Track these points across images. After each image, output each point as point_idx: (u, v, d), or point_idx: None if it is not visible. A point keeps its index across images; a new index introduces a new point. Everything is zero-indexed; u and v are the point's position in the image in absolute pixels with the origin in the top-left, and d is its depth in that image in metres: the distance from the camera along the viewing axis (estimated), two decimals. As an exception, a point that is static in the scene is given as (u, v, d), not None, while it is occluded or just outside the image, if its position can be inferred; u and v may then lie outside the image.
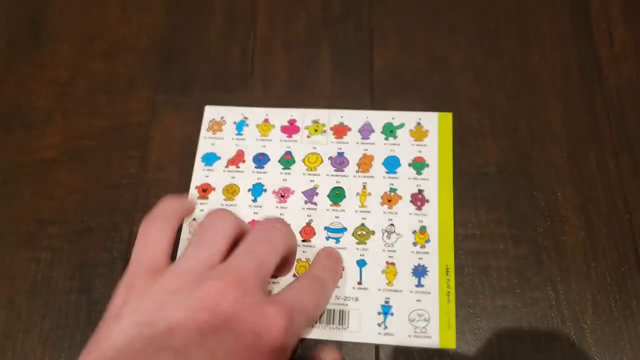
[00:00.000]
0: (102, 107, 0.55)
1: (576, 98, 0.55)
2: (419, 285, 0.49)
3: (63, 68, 0.56)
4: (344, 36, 0.59)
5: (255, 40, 0.58)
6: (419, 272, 0.49)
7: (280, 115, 0.57)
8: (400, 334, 0.47)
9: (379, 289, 0.49)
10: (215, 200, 0.54)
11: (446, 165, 0.53)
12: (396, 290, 0.49)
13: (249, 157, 0.56)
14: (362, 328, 0.48)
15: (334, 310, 0.48)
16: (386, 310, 0.48)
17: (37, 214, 0.52)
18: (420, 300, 0.48)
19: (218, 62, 0.58)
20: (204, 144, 0.56)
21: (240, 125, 0.57)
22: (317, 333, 0.48)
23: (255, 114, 0.58)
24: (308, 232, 0.52)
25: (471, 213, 0.51)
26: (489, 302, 0.48)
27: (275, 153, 0.56)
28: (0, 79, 0.55)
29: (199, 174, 0.55)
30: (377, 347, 0.47)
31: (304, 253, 0.51)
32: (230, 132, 0.57)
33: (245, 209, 0.53)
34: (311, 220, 0.52)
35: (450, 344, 0.47)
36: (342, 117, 0.57)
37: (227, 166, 0.55)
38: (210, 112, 0.58)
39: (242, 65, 0.58)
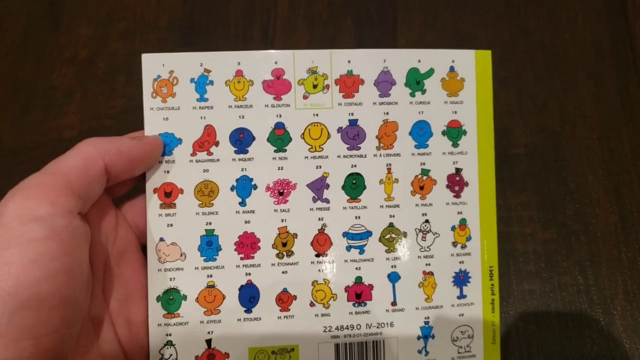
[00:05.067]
0: (122, 87, 0.52)
1: (608, 77, 0.51)
2: (461, 296, 0.41)
3: (82, 47, 0.53)
4: (367, 14, 0.54)
5: (276, 19, 0.56)
6: (461, 279, 0.41)
7: (259, 63, 0.40)
8: (443, 359, 0.41)
9: (417, 308, 0.40)
10: (186, 207, 0.38)
11: (487, 131, 0.42)
12: (437, 307, 0.40)
13: (223, 137, 0.39)
14: (401, 359, 0.40)
15: (366, 342, 0.39)
16: (426, 332, 0.40)
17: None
18: (463, 315, 0.41)
19: (238, 41, 0.52)
20: (153, 120, 0.39)
21: (201, 84, 0.39)
22: (348, 374, 0.39)
23: (223, 64, 0.39)
24: (322, 242, 0.39)
25: (498, 195, 0.46)
26: (516, 286, 0.46)
27: (260, 127, 0.39)
28: (20, 59, 0.52)
29: (156, 170, 0.39)
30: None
31: (320, 273, 0.39)
32: (188, 97, 0.39)
33: (231, 218, 0.39)
34: (324, 225, 0.40)
35: (496, 360, 0.41)
36: (349, 61, 0.40)
37: (193, 153, 0.39)
38: (152, 66, 0.39)
39: (262, 44, 0.52)
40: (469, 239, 0.41)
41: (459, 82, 0.42)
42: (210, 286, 0.39)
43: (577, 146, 0.50)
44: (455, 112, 0.42)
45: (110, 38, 0.53)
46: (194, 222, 0.39)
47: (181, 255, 0.38)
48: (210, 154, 0.39)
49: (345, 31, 0.54)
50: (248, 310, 0.39)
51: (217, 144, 0.39)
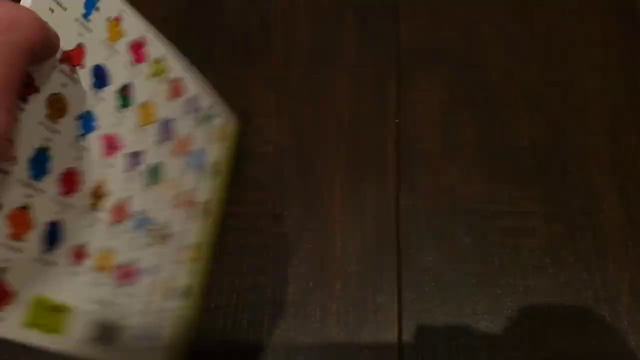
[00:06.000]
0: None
1: (615, 69, 0.52)
2: None
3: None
4: (370, 5, 0.55)
5: (276, 10, 0.56)
6: None
7: None
8: None
9: None
10: (35, 109, 0.32)
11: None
12: None
13: None
14: None
15: None
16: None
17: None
18: None
19: (237, 32, 0.56)
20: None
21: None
22: None
23: None
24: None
25: (502, 189, 0.49)
26: (520, 282, 0.47)
27: None
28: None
29: None
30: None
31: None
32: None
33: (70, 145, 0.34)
34: None
35: None
36: None
37: None
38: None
39: (262, 35, 0.56)
40: None
41: None
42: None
43: (582, 139, 0.50)
44: None
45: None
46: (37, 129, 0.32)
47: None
48: None
49: (346, 23, 0.55)
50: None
51: None
